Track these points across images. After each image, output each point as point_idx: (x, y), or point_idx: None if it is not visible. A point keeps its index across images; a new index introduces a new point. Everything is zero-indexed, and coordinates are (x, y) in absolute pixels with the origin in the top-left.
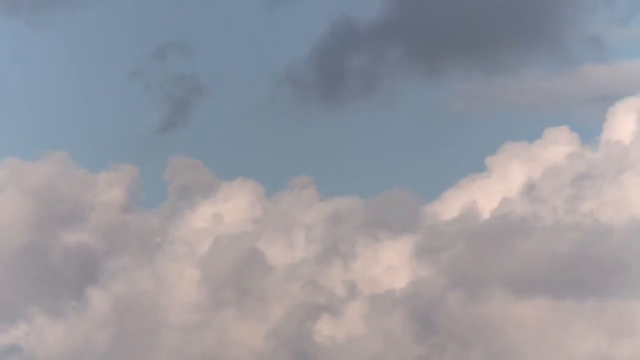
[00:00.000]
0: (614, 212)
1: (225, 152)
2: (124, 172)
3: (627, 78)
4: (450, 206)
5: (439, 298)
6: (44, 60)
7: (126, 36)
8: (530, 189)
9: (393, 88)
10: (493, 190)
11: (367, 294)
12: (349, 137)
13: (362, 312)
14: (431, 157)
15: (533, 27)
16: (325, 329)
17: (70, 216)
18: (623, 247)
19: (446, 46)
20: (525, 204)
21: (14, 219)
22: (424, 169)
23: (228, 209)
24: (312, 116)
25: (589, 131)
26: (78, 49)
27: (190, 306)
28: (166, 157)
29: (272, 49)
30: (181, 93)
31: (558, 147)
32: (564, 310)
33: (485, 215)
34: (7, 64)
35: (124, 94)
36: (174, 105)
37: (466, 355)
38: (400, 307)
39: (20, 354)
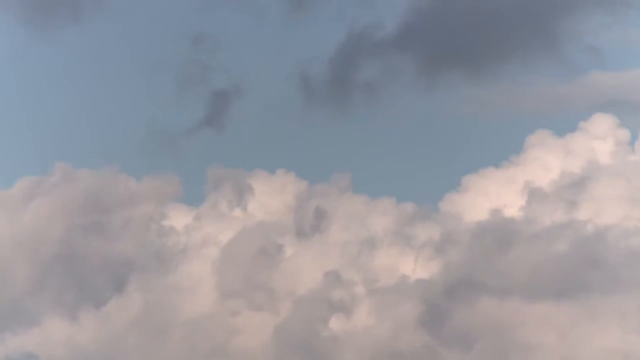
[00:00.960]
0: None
1: (263, 150)
2: (164, 179)
3: (632, 85)
4: (464, 204)
5: (448, 294)
6: (81, 68)
7: (152, 39)
8: (557, 182)
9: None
10: (511, 187)
11: (378, 286)
12: (354, 144)
13: (372, 305)
14: (439, 159)
15: (536, 37)
16: (335, 323)
17: (106, 225)
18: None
19: (452, 57)
20: (536, 203)
21: (51, 224)
22: (435, 170)
23: (264, 205)
24: (322, 121)
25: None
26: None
27: (203, 300)
28: (204, 160)
29: (290, 51)
30: (213, 93)
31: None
32: (582, 307)
33: (499, 214)
34: (43, 72)
35: (157, 97)
36: (207, 106)
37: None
38: (410, 299)
39: None
